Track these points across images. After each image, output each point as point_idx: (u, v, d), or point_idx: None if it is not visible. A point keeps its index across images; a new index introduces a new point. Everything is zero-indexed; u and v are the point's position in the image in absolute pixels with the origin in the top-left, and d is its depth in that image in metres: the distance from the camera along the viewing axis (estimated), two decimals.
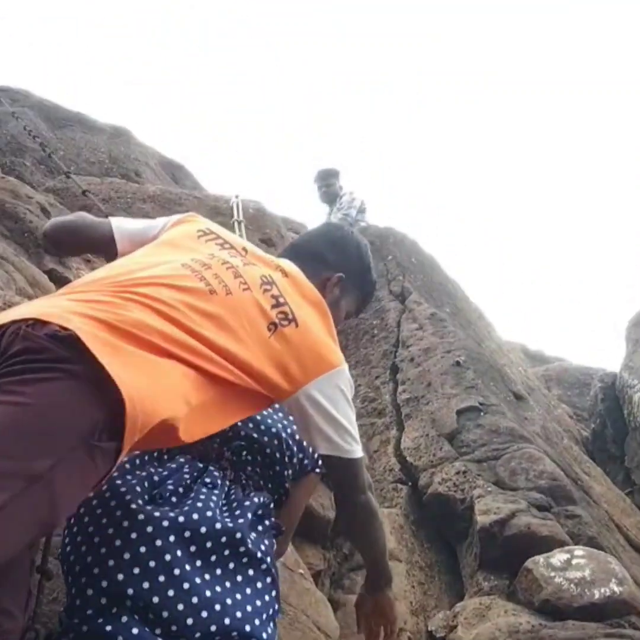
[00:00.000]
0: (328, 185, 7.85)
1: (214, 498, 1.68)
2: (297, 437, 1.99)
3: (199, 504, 1.63)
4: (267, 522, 1.74)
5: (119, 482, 1.63)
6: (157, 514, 1.56)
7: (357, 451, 1.75)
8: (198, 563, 1.53)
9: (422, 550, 3.35)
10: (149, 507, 1.58)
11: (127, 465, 1.72)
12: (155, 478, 1.70)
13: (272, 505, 1.81)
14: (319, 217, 7.77)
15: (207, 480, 1.74)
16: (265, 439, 1.90)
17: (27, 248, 3.62)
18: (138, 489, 1.63)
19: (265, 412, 1.99)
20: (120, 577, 1.45)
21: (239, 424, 1.87)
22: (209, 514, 1.61)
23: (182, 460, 1.79)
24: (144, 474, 1.70)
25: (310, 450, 2.02)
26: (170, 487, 1.68)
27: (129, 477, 1.67)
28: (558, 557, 2.95)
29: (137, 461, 1.75)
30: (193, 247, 1.77)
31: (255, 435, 1.89)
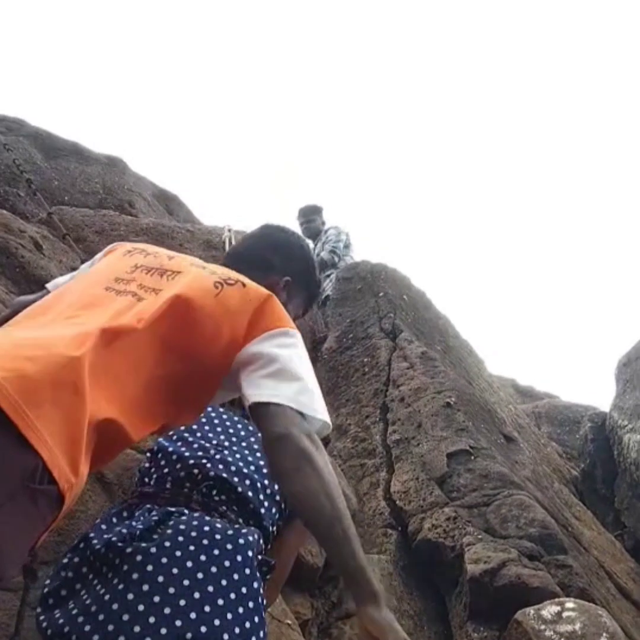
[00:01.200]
0: (308, 221, 7.98)
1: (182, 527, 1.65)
2: None
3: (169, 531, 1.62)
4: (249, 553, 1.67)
5: (95, 542, 1.63)
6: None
7: (313, 411, 1.56)
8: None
9: (411, 598, 3.30)
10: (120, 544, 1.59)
11: (103, 526, 1.73)
12: (124, 530, 1.67)
13: (259, 540, 1.74)
14: None
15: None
16: (236, 479, 1.89)
17: (18, 283, 3.58)
18: (112, 537, 1.63)
19: (237, 455, 1.97)
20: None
21: (208, 465, 1.88)
22: (181, 538, 1.59)
23: (148, 506, 1.77)
24: (115, 529, 1.69)
25: None
26: (140, 526, 1.66)
27: (103, 535, 1.67)
28: (548, 609, 2.90)
29: (109, 521, 1.76)
30: (116, 268, 1.78)
31: (224, 475, 1.88)
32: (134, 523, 1.70)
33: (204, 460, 1.92)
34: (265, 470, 1.96)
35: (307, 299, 2.22)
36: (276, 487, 1.95)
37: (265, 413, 1.52)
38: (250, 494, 1.88)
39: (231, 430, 2.12)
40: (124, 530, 1.66)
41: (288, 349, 1.63)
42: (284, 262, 2.10)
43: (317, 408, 1.58)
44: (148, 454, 2.12)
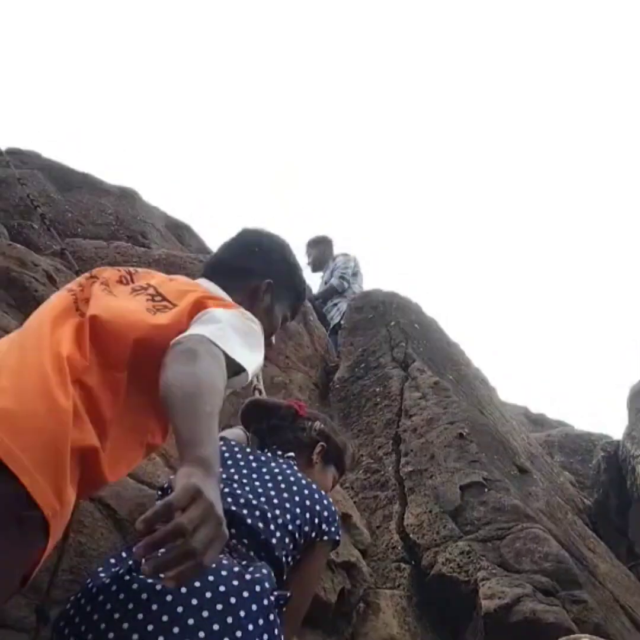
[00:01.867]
0: (312, 253, 8.01)
1: None
2: (296, 508, 1.98)
3: None
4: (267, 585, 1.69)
5: (102, 576, 1.67)
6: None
7: (228, 348, 1.55)
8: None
9: (425, 633, 3.26)
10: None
11: (111, 560, 1.76)
12: (131, 562, 1.69)
13: (270, 574, 1.75)
14: (314, 283, 7.93)
15: None
16: (245, 511, 1.90)
17: None
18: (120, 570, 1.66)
19: (247, 488, 1.99)
20: None
21: None
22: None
23: None
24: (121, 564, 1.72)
25: (316, 519, 2.01)
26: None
27: (111, 568, 1.70)
28: None
29: (118, 556, 1.79)
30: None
31: (233, 508, 1.89)
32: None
33: None
34: (276, 501, 1.97)
35: (294, 298, 2.23)
36: (288, 516, 1.96)
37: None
38: (260, 525, 1.89)
39: (242, 463, 2.14)
40: (131, 562, 1.67)
41: (222, 311, 1.68)
42: (263, 266, 2.10)
43: (235, 348, 1.57)
44: (159, 493, 2.14)
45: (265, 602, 1.62)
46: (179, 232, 6.90)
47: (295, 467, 2.19)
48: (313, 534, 2.04)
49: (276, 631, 1.62)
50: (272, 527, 1.91)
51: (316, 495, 2.10)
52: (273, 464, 2.16)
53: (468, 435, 4.15)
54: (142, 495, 2.46)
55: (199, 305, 1.72)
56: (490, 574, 3.25)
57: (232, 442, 2.29)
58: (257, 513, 1.91)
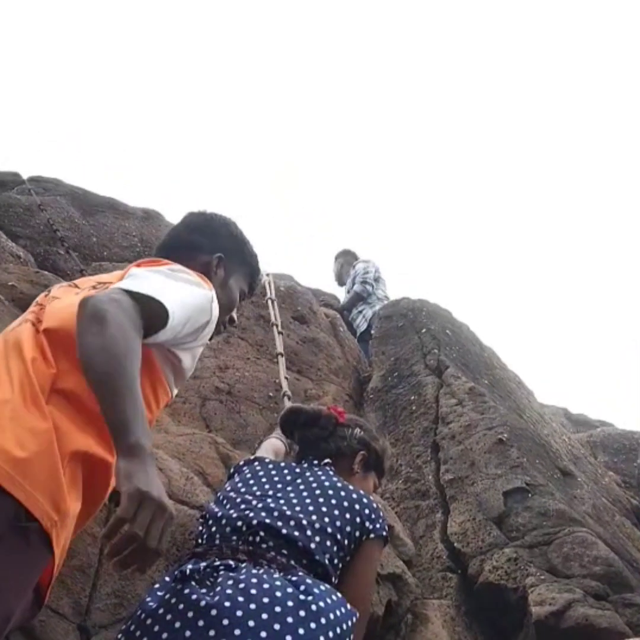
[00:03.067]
0: (334, 268, 8.14)
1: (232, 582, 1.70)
2: (334, 510, 2.02)
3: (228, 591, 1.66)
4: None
5: (150, 603, 1.71)
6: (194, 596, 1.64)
7: (136, 287, 1.60)
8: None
9: None
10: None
11: (156, 586, 1.80)
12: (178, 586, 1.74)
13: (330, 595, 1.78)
14: (340, 293, 8.01)
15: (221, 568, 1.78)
16: (279, 523, 1.95)
17: None
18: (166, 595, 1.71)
19: (281, 500, 2.05)
20: None
21: (251, 515, 1.98)
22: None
23: (197, 560, 1.86)
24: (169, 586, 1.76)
25: (358, 518, 2.03)
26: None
27: (157, 592, 1.75)
28: None
29: (163, 581, 1.82)
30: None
31: (268, 521, 1.94)
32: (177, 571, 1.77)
33: (247, 511, 2.01)
34: (311, 508, 2.01)
35: (249, 273, 2.27)
36: (326, 519, 1.99)
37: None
38: (296, 533, 1.92)
39: (276, 478, 2.19)
40: (171, 581, 1.74)
41: (145, 268, 1.73)
42: (211, 241, 2.16)
43: (144, 286, 1.60)
44: (200, 519, 2.18)
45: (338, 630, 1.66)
46: None
47: (332, 473, 2.22)
48: (357, 533, 2.04)
49: None
50: (309, 532, 1.94)
51: (354, 495, 2.12)
52: (308, 474, 2.20)
53: (508, 440, 4.12)
54: (183, 516, 2.47)
55: (128, 270, 1.77)
56: (539, 580, 3.22)
57: (267, 460, 2.34)
58: (292, 522, 1.95)
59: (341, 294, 8.03)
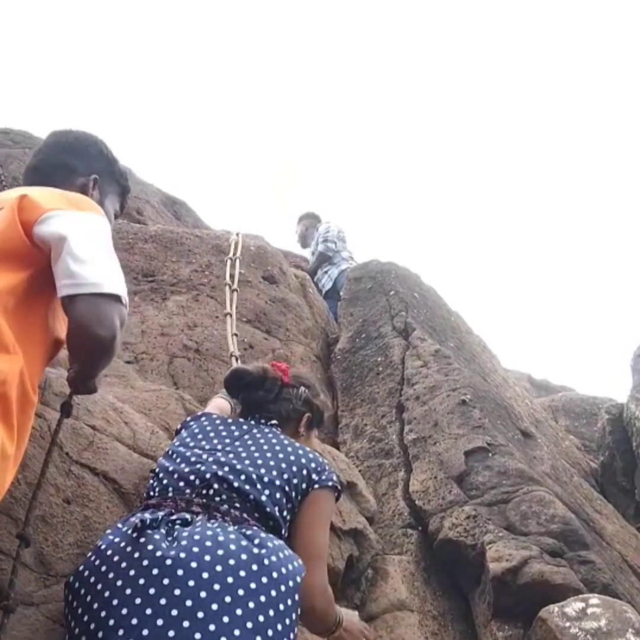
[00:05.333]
0: (297, 230, 8.08)
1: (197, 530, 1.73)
2: (281, 463, 2.07)
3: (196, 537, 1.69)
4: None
5: (102, 546, 1.75)
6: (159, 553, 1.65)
7: (105, 285, 1.66)
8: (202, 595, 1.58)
9: (434, 598, 3.29)
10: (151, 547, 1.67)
11: (120, 525, 1.85)
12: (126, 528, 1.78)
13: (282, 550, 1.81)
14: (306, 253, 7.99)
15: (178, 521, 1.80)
16: (231, 476, 1.99)
17: None
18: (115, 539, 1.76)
19: (231, 454, 2.08)
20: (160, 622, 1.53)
21: (203, 468, 2.01)
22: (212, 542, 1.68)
23: (153, 510, 1.90)
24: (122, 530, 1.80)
25: (304, 471, 2.05)
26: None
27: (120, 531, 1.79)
28: (573, 606, 2.89)
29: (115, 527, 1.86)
30: None
31: (220, 473, 1.99)
32: (135, 520, 1.78)
33: (199, 465, 2.04)
34: (260, 461, 2.05)
35: (120, 193, 2.27)
36: (274, 472, 2.03)
37: (73, 307, 1.64)
38: (247, 486, 1.96)
39: (224, 433, 2.22)
40: (128, 529, 1.76)
41: (68, 226, 1.70)
42: (84, 162, 2.12)
43: (110, 283, 1.68)
44: (151, 473, 2.19)
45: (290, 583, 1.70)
46: (175, 208, 6.88)
47: (278, 432, 2.26)
48: (304, 485, 2.08)
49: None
50: (259, 486, 1.97)
51: (301, 451, 2.16)
52: (255, 431, 2.23)
53: (470, 402, 4.16)
54: (147, 468, 2.46)
55: (21, 200, 1.72)
56: (497, 537, 3.27)
57: (214, 416, 2.36)
58: (243, 476, 1.98)
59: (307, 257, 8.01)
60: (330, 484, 2.13)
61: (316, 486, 2.09)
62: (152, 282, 4.59)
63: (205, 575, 1.58)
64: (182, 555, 1.61)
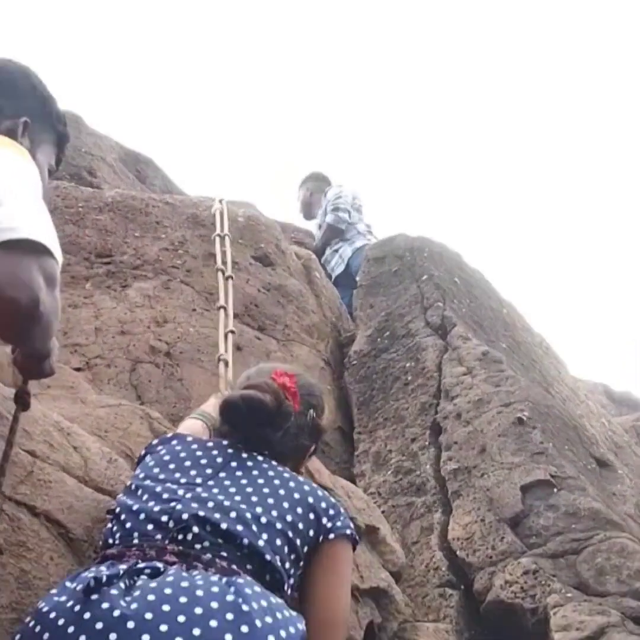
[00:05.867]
0: (299, 196, 7.89)
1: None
2: (282, 502, 2.05)
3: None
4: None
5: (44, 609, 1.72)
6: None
7: (23, 230, 1.60)
8: None
9: None
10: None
11: (53, 591, 1.81)
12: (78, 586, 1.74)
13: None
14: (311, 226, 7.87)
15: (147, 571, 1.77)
16: (217, 515, 1.94)
17: None
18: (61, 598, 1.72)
19: (214, 489, 2.05)
20: None
21: (179, 507, 1.96)
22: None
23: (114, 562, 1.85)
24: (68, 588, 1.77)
25: (311, 514, 2.05)
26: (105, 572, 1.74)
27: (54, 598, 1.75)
28: None
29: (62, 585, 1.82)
30: None
31: (201, 513, 1.94)
32: (89, 575, 1.75)
33: (173, 503, 2.00)
34: (254, 499, 2.02)
35: (56, 143, 2.26)
36: (274, 513, 2.00)
37: None
38: (239, 528, 1.93)
39: (203, 460, 2.19)
40: (78, 586, 1.72)
41: None
42: (11, 102, 2.10)
43: (34, 227, 1.64)
44: (108, 515, 2.17)
45: None
46: (139, 167, 6.88)
47: (275, 463, 2.22)
48: (311, 533, 2.06)
49: None
50: (254, 528, 1.94)
51: (306, 487, 2.14)
52: (244, 455, 2.20)
53: (529, 420, 4.15)
54: (102, 508, 2.46)
55: None
56: (565, 598, 3.27)
57: (188, 438, 2.33)
58: (233, 514, 1.95)
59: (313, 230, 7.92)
60: (348, 531, 2.12)
61: (331, 536, 2.08)
62: (109, 263, 4.59)
63: None
64: (148, 616, 1.59)
